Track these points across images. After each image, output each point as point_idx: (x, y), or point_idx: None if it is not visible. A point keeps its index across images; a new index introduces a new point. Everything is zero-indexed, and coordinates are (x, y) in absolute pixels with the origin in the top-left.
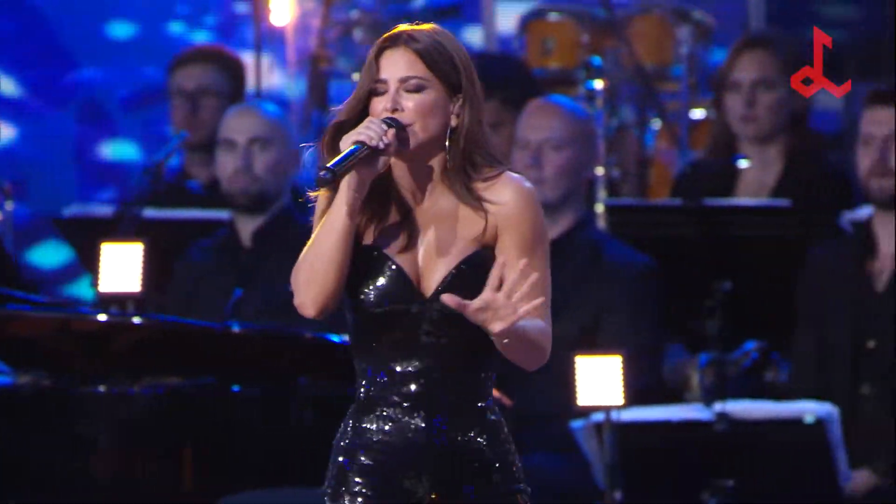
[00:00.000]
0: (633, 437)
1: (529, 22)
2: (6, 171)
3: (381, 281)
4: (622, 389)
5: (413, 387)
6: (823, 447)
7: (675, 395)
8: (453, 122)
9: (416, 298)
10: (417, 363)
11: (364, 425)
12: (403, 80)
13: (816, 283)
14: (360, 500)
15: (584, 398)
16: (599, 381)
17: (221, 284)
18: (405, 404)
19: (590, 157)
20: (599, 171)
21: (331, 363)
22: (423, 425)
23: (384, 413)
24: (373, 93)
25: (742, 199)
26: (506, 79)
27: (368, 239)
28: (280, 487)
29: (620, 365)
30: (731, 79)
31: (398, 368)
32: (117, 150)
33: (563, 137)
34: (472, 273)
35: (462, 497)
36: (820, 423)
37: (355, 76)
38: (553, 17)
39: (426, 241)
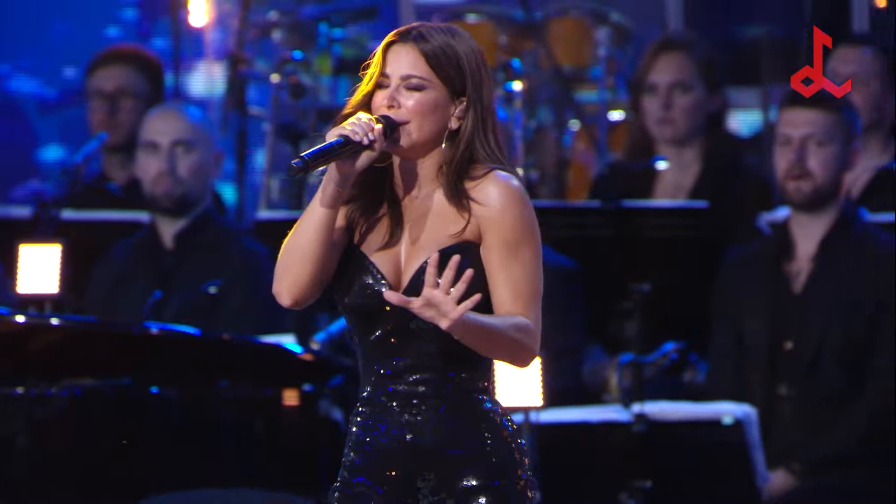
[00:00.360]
0: (552, 438)
1: (447, 23)
2: None
3: (358, 278)
4: (541, 390)
5: (400, 386)
6: (741, 448)
7: (593, 397)
8: (453, 125)
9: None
10: (401, 361)
11: (357, 425)
12: (405, 78)
13: (734, 283)
14: (360, 500)
15: (504, 399)
16: (518, 381)
17: (141, 286)
18: (393, 403)
19: None
20: (518, 172)
21: (250, 365)
22: (413, 423)
23: (375, 412)
24: (378, 85)
25: (660, 201)
26: None
27: (356, 237)
28: (200, 489)
29: (540, 366)
30: (648, 81)
31: (382, 367)
32: (37, 151)
33: None
34: (444, 266)
35: (462, 492)
36: (738, 424)
37: (273, 77)
38: (471, 18)
39: (407, 238)
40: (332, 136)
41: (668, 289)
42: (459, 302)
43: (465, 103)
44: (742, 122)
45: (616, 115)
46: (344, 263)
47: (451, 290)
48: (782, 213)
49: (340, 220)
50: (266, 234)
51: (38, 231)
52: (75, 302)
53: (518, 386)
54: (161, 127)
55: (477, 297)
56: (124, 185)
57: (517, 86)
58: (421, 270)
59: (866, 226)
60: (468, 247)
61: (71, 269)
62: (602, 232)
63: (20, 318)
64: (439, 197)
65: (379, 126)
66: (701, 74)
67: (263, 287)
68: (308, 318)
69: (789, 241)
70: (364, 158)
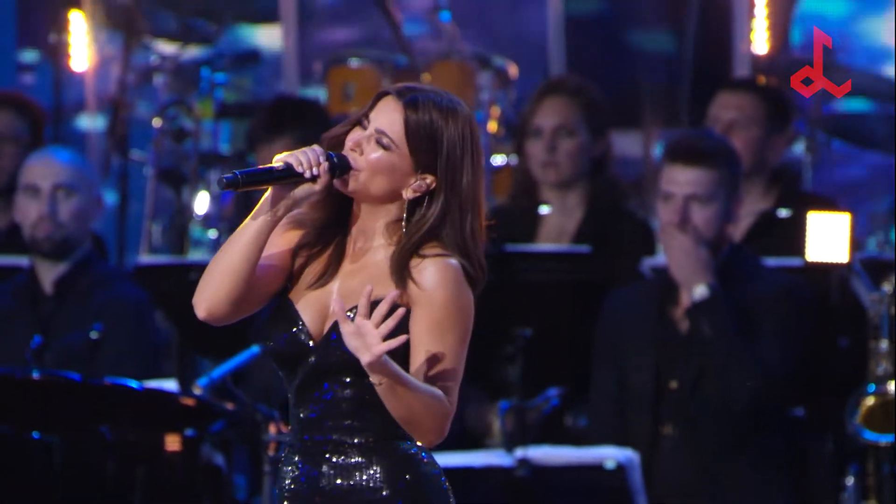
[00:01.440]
0: None
1: (331, 68)
2: None
3: (280, 324)
4: None
5: (319, 433)
6: (624, 492)
7: (476, 441)
8: (408, 195)
9: (309, 342)
10: (320, 408)
11: (281, 470)
12: (378, 132)
13: (616, 326)
14: None
15: None
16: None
17: (21, 331)
18: (312, 449)
19: None
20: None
21: (132, 410)
22: (334, 468)
23: (293, 458)
24: (357, 123)
25: (543, 245)
26: (302, 119)
27: (294, 267)
28: None
29: None
30: (533, 125)
31: (301, 413)
32: None
33: None
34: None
35: None
36: (620, 468)
37: (155, 121)
38: (354, 62)
39: (339, 286)
40: (278, 160)
41: (551, 333)
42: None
43: (427, 180)
44: (625, 165)
45: (499, 160)
46: (273, 307)
47: (381, 327)
48: (664, 257)
49: (284, 247)
50: (147, 279)
51: None
52: None
53: None
54: (41, 170)
55: (403, 337)
56: (3, 230)
57: None
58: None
59: (754, 267)
60: (398, 307)
61: None
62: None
63: None
64: (382, 257)
65: (326, 163)
66: (585, 119)
67: (145, 331)
68: (190, 363)
69: (673, 284)
70: (303, 190)
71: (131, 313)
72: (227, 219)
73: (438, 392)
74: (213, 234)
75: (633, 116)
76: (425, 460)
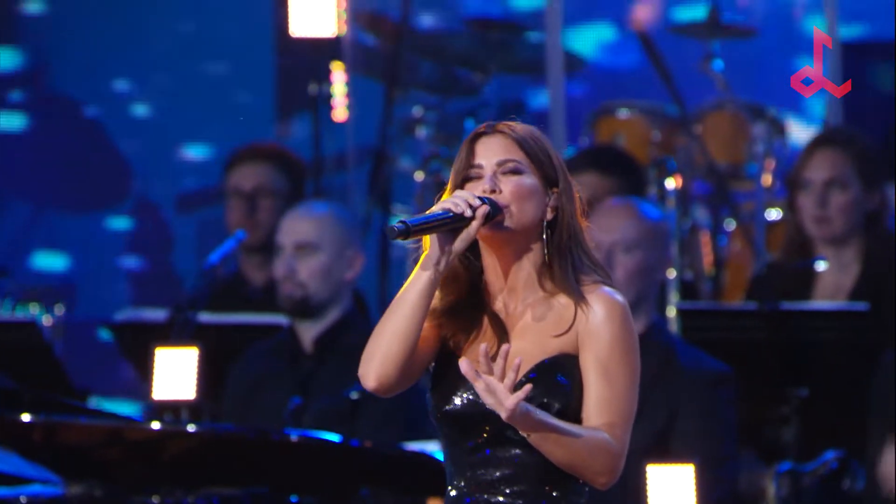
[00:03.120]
0: None
1: (599, 118)
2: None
3: (456, 385)
4: (695, 500)
5: (493, 497)
6: None
7: None
8: (549, 215)
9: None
10: (495, 472)
11: None
12: (501, 163)
13: (892, 387)
14: None
15: None
16: (672, 491)
17: (280, 391)
18: None
19: (662, 259)
20: (672, 273)
21: (394, 473)
22: None
23: None
24: (465, 180)
25: (819, 303)
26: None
27: (456, 345)
28: None
29: (693, 475)
30: (804, 178)
31: (475, 477)
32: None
33: (635, 239)
34: (544, 379)
35: None
36: None
37: (418, 175)
38: (623, 113)
39: (505, 349)
40: (436, 209)
41: (828, 394)
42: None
43: (558, 194)
44: None
45: (774, 214)
46: (440, 370)
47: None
48: None
49: (431, 328)
50: None
51: (174, 334)
52: (212, 408)
53: (672, 495)
54: (286, 228)
55: (528, 386)
56: (262, 286)
57: (671, 183)
58: (521, 382)
59: None
60: (566, 360)
61: (208, 374)
62: (758, 335)
63: (155, 425)
64: (540, 296)
65: (484, 206)
66: (858, 171)
67: (407, 392)
68: None
69: None
70: (461, 239)
71: None
72: None
73: (602, 434)
74: None
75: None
76: None
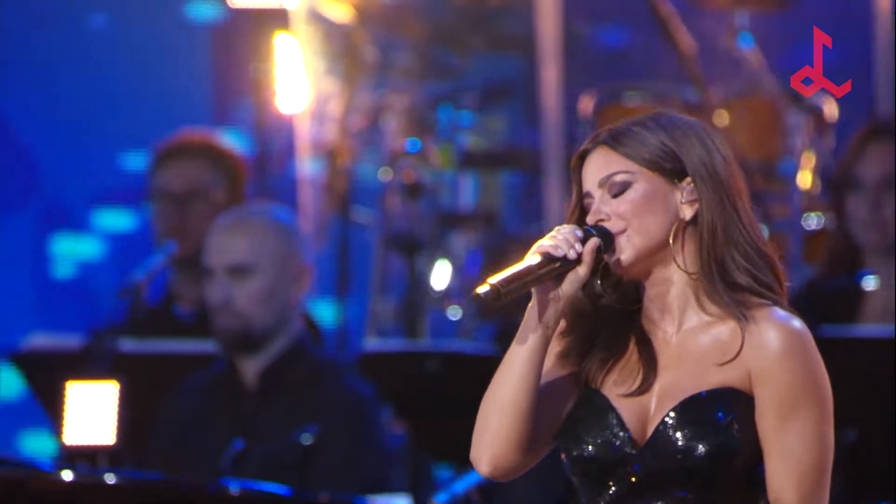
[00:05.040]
0: None
1: (604, 106)
2: None
3: (594, 427)
4: None
5: None
6: None
7: None
8: (686, 214)
9: (630, 448)
10: None
11: None
12: (603, 183)
13: None
14: None
15: None
16: None
17: (217, 434)
18: None
19: None
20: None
21: None
22: None
23: None
24: (583, 213)
25: (868, 327)
26: None
27: (596, 381)
28: None
29: None
30: (853, 176)
31: None
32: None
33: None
34: (689, 415)
35: None
36: None
37: (383, 173)
38: (632, 99)
39: (659, 383)
40: (530, 255)
41: (879, 435)
42: (688, 457)
43: (692, 183)
44: None
45: (814, 220)
46: (575, 409)
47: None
48: None
49: (570, 366)
50: (373, 370)
51: (90, 365)
52: (135, 454)
53: None
54: (215, 247)
55: None
56: (196, 307)
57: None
58: (664, 423)
59: None
60: (728, 395)
61: (130, 413)
62: None
63: (67, 476)
64: (702, 328)
65: (593, 239)
66: None
67: (370, 435)
68: (426, 474)
69: None
70: (571, 281)
71: (353, 413)
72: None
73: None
74: (454, 313)
75: None
76: None
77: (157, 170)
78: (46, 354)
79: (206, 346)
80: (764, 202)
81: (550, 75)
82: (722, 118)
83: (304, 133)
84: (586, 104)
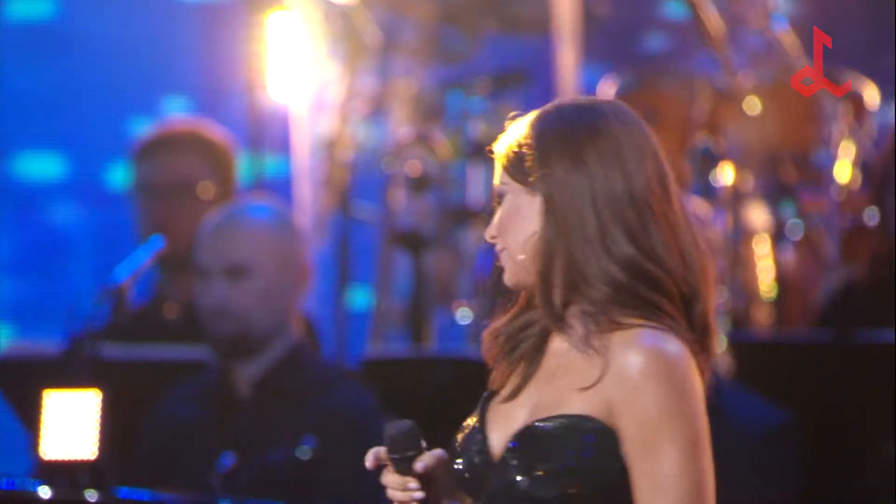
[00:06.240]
0: None
1: (627, 92)
2: None
3: (465, 442)
4: None
5: None
6: None
7: None
8: (538, 228)
9: (484, 470)
10: None
11: None
12: (493, 202)
13: None
14: None
15: None
16: None
17: (206, 447)
18: None
19: None
20: (720, 294)
21: None
22: None
23: None
24: None
25: None
26: None
27: (503, 383)
28: None
29: None
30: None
31: None
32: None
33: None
34: (527, 448)
35: None
36: None
37: (386, 164)
38: (657, 85)
39: (533, 394)
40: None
41: None
42: (520, 489)
43: (538, 195)
44: None
45: (852, 217)
46: (470, 417)
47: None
48: None
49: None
50: (377, 377)
51: (69, 373)
52: (119, 469)
53: None
54: (209, 246)
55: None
56: (184, 310)
57: (718, 176)
58: (508, 449)
59: None
60: (575, 424)
61: (113, 425)
62: (833, 373)
63: (44, 493)
64: (571, 347)
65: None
66: None
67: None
68: None
69: None
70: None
71: (353, 425)
72: (483, 293)
73: None
74: (464, 315)
75: None
76: None
77: (140, 162)
78: (21, 361)
79: (195, 351)
80: (799, 197)
81: (568, 59)
82: (753, 105)
83: (301, 122)
84: (607, 90)
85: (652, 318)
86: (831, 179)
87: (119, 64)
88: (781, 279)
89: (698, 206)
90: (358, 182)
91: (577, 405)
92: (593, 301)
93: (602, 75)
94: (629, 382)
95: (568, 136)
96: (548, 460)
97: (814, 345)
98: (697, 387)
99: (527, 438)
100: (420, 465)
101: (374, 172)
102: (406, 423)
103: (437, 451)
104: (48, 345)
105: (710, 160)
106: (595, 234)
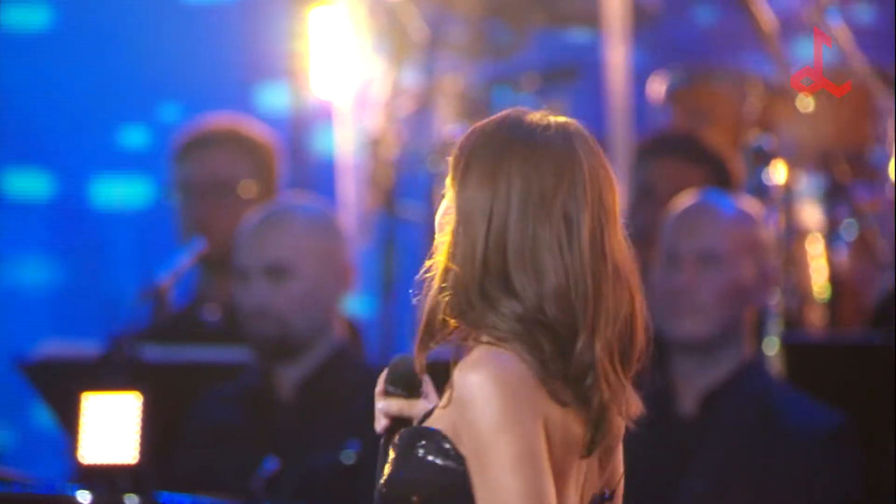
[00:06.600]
0: None
1: (679, 89)
2: None
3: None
4: None
5: None
6: None
7: None
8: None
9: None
10: None
11: None
12: None
13: None
14: None
15: None
16: None
17: (247, 452)
18: None
19: (761, 276)
20: (774, 295)
21: None
22: None
23: None
24: None
25: None
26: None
27: None
28: None
29: None
30: None
31: None
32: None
33: (724, 248)
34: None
35: None
36: None
37: (433, 163)
38: (710, 82)
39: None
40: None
41: None
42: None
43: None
44: None
45: None
46: None
47: None
48: None
49: None
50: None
51: (109, 375)
52: (160, 474)
53: None
54: (250, 245)
55: None
56: (225, 312)
57: (771, 175)
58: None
59: None
60: (431, 436)
61: (154, 428)
62: (885, 373)
63: (83, 498)
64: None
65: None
66: None
67: None
68: None
69: None
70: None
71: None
72: None
73: None
74: None
75: None
76: None
77: (181, 161)
78: (60, 363)
79: (236, 354)
80: (854, 196)
81: (617, 54)
82: (805, 103)
83: (345, 119)
84: (658, 87)
85: (499, 341)
86: (886, 178)
87: (115, 67)
88: (835, 279)
89: (751, 205)
90: (403, 180)
91: (439, 422)
92: (447, 321)
93: (652, 71)
94: (460, 401)
95: (468, 162)
96: (399, 468)
97: (868, 346)
98: (533, 405)
99: (401, 443)
100: (394, 406)
101: (420, 171)
102: (411, 365)
103: (420, 403)
104: (87, 346)
105: (762, 158)
106: (459, 254)
